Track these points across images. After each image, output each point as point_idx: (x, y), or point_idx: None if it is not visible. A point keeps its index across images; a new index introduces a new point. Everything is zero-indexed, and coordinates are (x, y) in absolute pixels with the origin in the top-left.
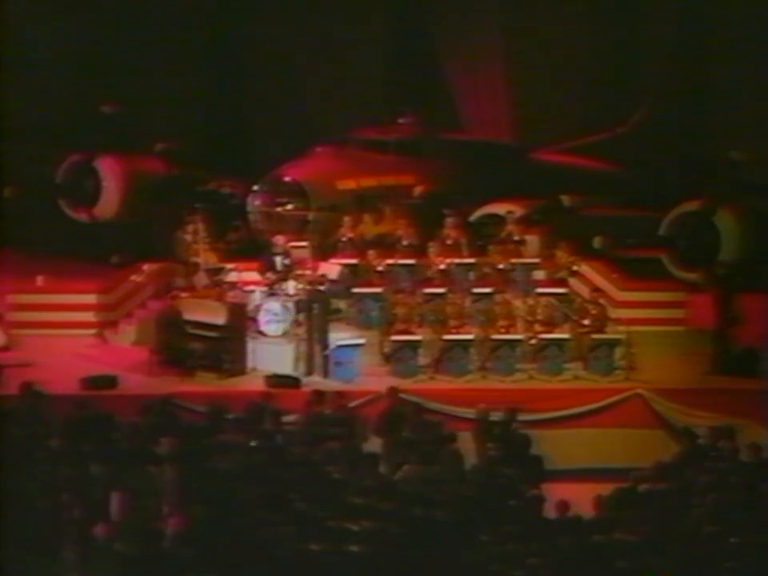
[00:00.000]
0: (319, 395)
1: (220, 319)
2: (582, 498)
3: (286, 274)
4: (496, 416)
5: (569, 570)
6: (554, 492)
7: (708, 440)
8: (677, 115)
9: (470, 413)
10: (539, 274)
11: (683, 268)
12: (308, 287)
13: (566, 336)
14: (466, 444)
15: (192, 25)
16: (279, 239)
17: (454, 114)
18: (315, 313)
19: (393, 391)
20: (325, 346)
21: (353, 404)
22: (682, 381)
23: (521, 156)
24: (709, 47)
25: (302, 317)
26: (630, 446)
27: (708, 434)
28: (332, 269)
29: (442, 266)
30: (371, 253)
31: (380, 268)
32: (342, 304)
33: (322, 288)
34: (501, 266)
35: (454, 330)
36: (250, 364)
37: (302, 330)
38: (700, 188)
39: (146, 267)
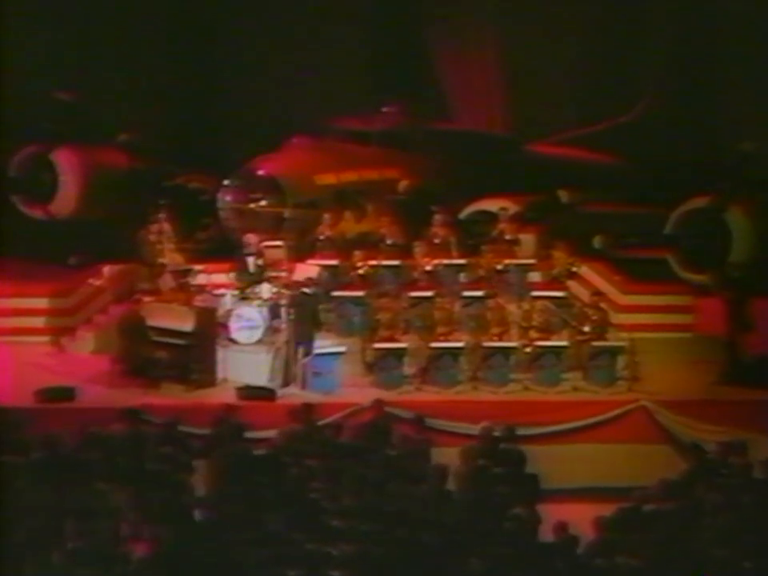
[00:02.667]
0: (305, 409)
1: (187, 325)
2: (581, 519)
3: (259, 277)
4: (488, 429)
5: None
6: (551, 513)
7: (718, 456)
8: (684, 103)
9: (459, 427)
10: (535, 276)
11: (691, 269)
12: (285, 290)
13: (564, 343)
14: (455, 460)
15: (157, 7)
16: (252, 238)
17: (442, 103)
18: (298, 317)
19: (377, 404)
20: (308, 353)
21: (333, 417)
22: (689, 392)
23: (515, 148)
24: (719, 29)
25: (277, 323)
26: (634, 462)
27: (718, 450)
28: (310, 270)
29: (430, 268)
30: (353, 253)
31: (362, 270)
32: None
33: (307, 290)
34: (493, 268)
35: (442, 337)
36: (220, 374)
37: (277, 338)
38: (709, 182)
39: (106, 269)
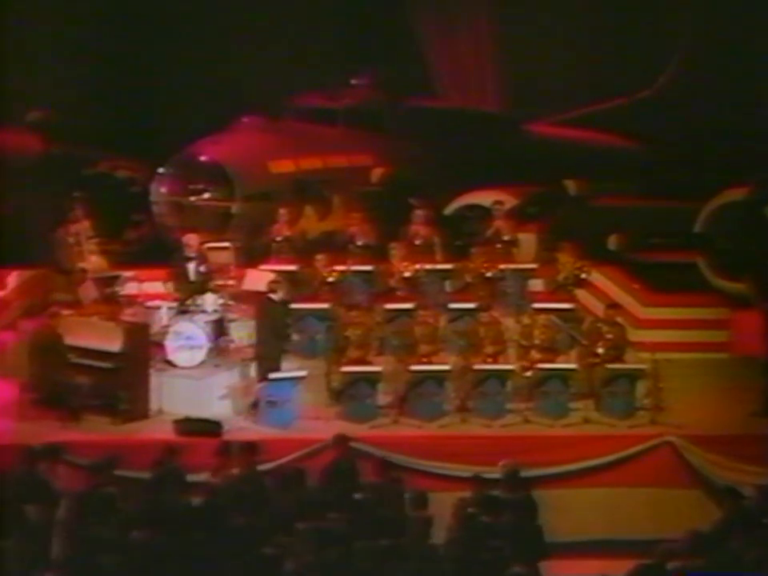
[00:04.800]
0: (246, 448)
1: (114, 345)
2: None
3: (202, 285)
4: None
5: None
6: (556, 571)
7: (757, 502)
8: (715, 76)
9: (445, 468)
10: (537, 285)
11: (725, 276)
12: (234, 302)
13: (572, 366)
14: (440, 509)
15: None
16: (193, 239)
17: (423, 75)
18: (265, 330)
19: (341, 440)
20: (265, 378)
21: (290, 457)
22: (723, 425)
23: (511, 129)
24: None
25: (224, 341)
26: (657, 510)
27: (757, 494)
28: (263, 278)
29: (409, 274)
30: (316, 257)
31: (327, 277)
32: None
33: (273, 297)
34: (486, 274)
35: (424, 359)
36: (154, 404)
37: (223, 360)
38: (746, 171)
39: (13, 276)
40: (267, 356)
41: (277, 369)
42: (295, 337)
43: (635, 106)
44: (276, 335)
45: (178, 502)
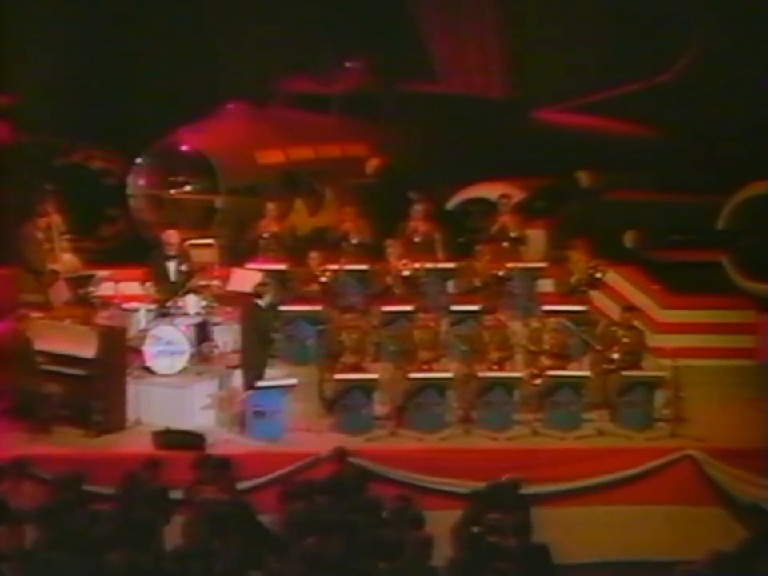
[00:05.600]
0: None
1: (88, 350)
2: None
3: (183, 286)
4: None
5: None
6: None
7: None
8: (741, 57)
9: (446, 484)
10: (546, 285)
11: (751, 276)
12: (218, 304)
13: (585, 373)
14: (441, 529)
15: None
16: (173, 236)
17: (422, 58)
18: (251, 336)
19: (338, 453)
20: (251, 386)
21: (280, 472)
22: (748, 438)
23: (519, 116)
24: None
25: (207, 347)
26: (677, 529)
27: None
28: (249, 278)
29: (407, 273)
30: (307, 255)
31: (319, 277)
32: None
33: (260, 302)
34: (492, 274)
35: (424, 366)
36: (131, 415)
37: (206, 367)
38: None
39: None
40: (253, 363)
41: (262, 377)
42: (284, 341)
43: (653, 91)
44: (262, 342)
45: (156, 521)
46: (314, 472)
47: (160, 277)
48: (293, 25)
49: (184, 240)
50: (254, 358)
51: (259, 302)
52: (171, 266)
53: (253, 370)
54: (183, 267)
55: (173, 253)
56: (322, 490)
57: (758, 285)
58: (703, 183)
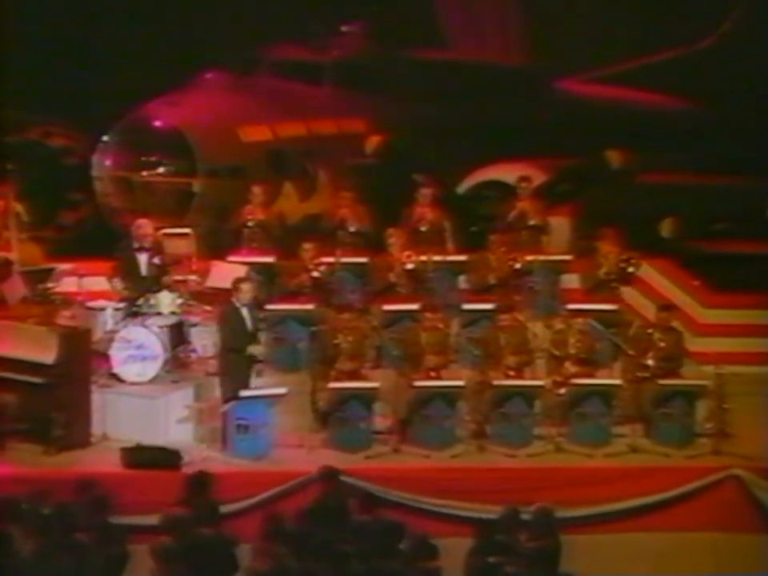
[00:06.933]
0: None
1: (47, 355)
2: None
3: (156, 281)
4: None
5: None
6: None
7: None
8: None
9: (458, 507)
10: (572, 281)
11: None
12: (196, 303)
13: (615, 382)
14: (452, 559)
15: None
16: (145, 224)
17: (428, 21)
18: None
19: (332, 473)
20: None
21: (265, 495)
22: None
23: (539, 87)
24: None
25: (183, 350)
26: (721, 558)
27: None
28: (231, 272)
29: (412, 267)
30: (298, 246)
31: (312, 271)
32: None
33: (236, 301)
34: (509, 267)
35: (432, 373)
36: (96, 429)
37: (182, 374)
38: None
39: None
40: (232, 371)
41: (246, 386)
42: (272, 345)
43: (693, 59)
44: (241, 347)
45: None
46: (305, 494)
47: (129, 271)
48: None
49: (157, 229)
50: (234, 364)
51: (235, 300)
52: (142, 258)
53: (233, 379)
54: (156, 260)
55: (144, 244)
56: (306, 515)
57: None
58: (749, 164)
